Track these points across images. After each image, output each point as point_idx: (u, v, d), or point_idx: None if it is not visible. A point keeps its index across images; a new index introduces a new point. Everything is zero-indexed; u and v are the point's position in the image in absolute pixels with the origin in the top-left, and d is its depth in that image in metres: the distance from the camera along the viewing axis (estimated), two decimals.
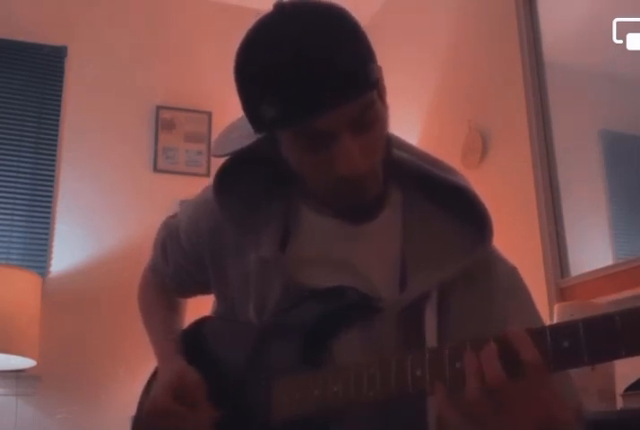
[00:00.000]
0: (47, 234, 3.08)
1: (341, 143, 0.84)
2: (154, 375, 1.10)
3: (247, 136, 0.91)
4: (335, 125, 0.83)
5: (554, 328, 0.68)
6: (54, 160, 3.17)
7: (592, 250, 2.23)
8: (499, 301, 0.91)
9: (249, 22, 0.88)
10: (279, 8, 0.85)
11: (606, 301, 1.86)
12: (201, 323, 1.13)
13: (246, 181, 1.01)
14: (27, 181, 3.12)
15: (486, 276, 0.93)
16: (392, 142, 0.98)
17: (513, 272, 0.97)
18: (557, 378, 0.79)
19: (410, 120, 3.02)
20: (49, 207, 3.11)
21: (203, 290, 1.14)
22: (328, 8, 0.85)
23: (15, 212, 3.06)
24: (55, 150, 3.18)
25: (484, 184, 2.47)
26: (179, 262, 1.15)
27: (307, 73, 0.80)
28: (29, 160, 3.14)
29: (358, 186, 0.89)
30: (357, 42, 0.84)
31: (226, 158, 1.01)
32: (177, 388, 0.98)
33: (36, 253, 3.05)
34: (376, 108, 0.87)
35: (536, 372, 0.67)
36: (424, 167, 0.97)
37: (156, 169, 3.31)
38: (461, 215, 0.93)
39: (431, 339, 0.87)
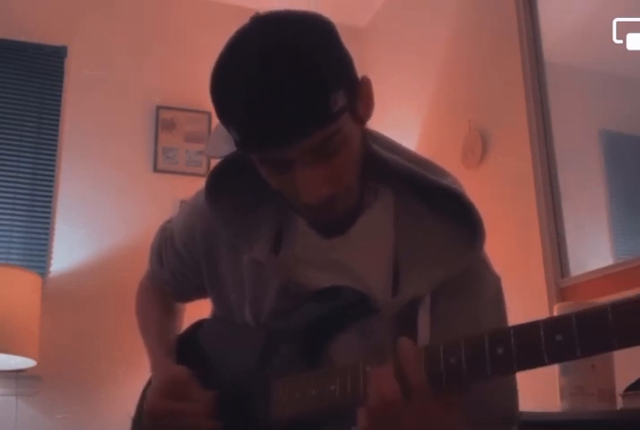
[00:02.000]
0: (47, 234, 3.08)
1: (299, 174, 0.84)
2: (149, 384, 1.10)
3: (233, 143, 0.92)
4: (294, 156, 0.83)
5: (547, 321, 0.68)
6: (54, 160, 3.17)
7: (592, 250, 2.23)
8: (484, 309, 0.93)
9: None
10: (253, 25, 0.84)
11: (606, 301, 1.86)
12: (198, 327, 1.13)
13: (238, 184, 1.01)
14: (27, 181, 3.12)
15: (474, 281, 0.93)
16: (380, 145, 0.98)
17: (497, 283, 0.98)
18: (493, 383, 0.83)
19: (410, 120, 3.02)
20: (49, 207, 3.11)
21: (201, 294, 1.14)
22: (303, 27, 0.83)
23: (15, 212, 3.06)
24: (55, 150, 3.19)
25: (484, 185, 2.48)
26: (175, 266, 1.15)
27: (266, 108, 0.79)
28: (29, 160, 3.14)
29: (326, 209, 0.89)
30: (326, 68, 0.80)
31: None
32: (169, 387, 0.98)
33: (36, 253, 3.05)
34: (341, 135, 0.84)
35: (421, 392, 0.71)
36: (415, 170, 0.97)
37: (156, 169, 3.31)
38: (453, 218, 0.93)
39: (424, 339, 0.88)
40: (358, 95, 0.87)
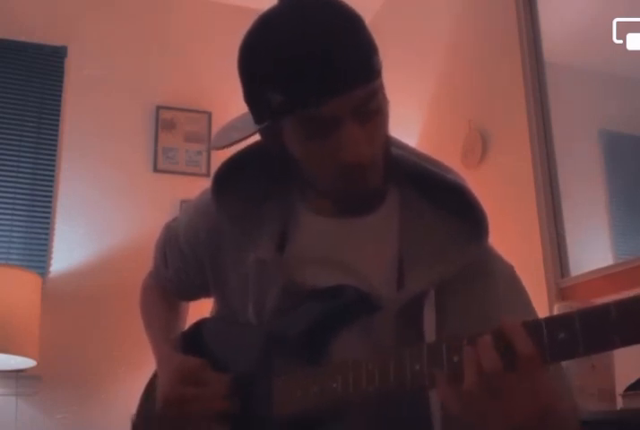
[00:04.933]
0: (47, 234, 3.08)
1: (347, 129, 0.85)
2: (153, 380, 1.10)
3: (248, 128, 0.91)
4: (341, 111, 0.84)
5: (550, 319, 0.69)
6: (54, 160, 3.17)
7: (592, 250, 2.23)
8: (496, 300, 0.92)
9: (249, 22, 0.88)
10: (284, 1, 0.87)
11: (606, 301, 1.86)
12: (200, 325, 1.13)
13: (244, 182, 1.02)
14: (27, 181, 3.12)
15: (483, 275, 0.93)
16: (390, 141, 0.98)
17: (510, 271, 0.97)
18: (555, 377, 0.81)
19: (410, 120, 3.02)
20: (49, 207, 3.11)
21: (204, 293, 1.14)
22: (332, 1, 0.87)
23: (15, 212, 3.06)
24: (55, 150, 3.18)
25: (484, 184, 2.48)
26: (179, 264, 1.15)
27: (314, 59, 0.81)
28: (29, 160, 3.14)
29: (361, 175, 0.90)
30: (361, 34, 0.86)
31: (224, 156, 1.01)
32: (181, 374, 0.98)
33: (36, 253, 3.05)
34: (379, 99, 0.88)
35: (531, 364, 0.68)
36: (422, 165, 0.97)
37: (156, 169, 3.31)
38: (457, 213, 0.94)
39: (430, 336, 0.87)
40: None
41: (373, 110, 0.87)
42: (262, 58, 0.85)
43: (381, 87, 0.90)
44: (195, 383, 0.97)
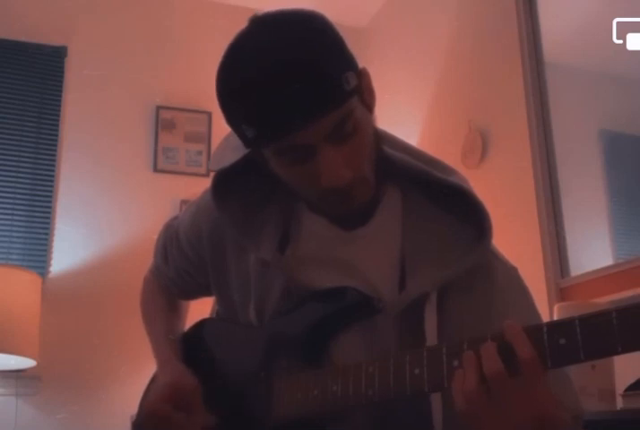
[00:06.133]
0: (47, 234, 3.08)
1: (321, 156, 0.85)
2: (153, 380, 1.10)
3: (240, 149, 0.92)
4: (313, 139, 0.84)
5: (551, 325, 0.68)
6: (54, 160, 3.17)
7: (592, 250, 2.23)
8: (498, 302, 0.91)
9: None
10: (253, 24, 0.86)
11: (606, 301, 1.86)
12: (201, 325, 1.13)
13: (245, 183, 1.02)
14: (27, 181, 3.11)
15: (485, 276, 0.93)
16: (386, 143, 0.98)
17: (513, 273, 0.97)
18: (558, 383, 0.81)
19: (410, 120, 3.02)
20: (49, 207, 3.11)
21: (205, 292, 1.14)
22: (302, 20, 0.86)
23: (15, 212, 3.06)
24: (55, 150, 3.18)
25: (484, 185, 2.48)
26: (180, 263, 1.15)
27: (279, 92, 0.80)
28: (29, 160, 3.14)
29: (345, 195, 0.89)
30: (331, 52, 0.84)
31: None
32: (172, 393, 0.98)
33: (36, 253, 3.05)
34: (355, 117, 0.86)
35: (532, 368, 0.69)
36: (421, 168, 0.97)
37: (156, 169, 3.31)
38: (460, 215, 0.93)
39: (432, 339, 0.87)
40: (362, 82, 0.89)
41: (349, 131, 0.86)
42: (230, 93, 0.86)
43: (363, 99, 0.89)
44: (182, 408, 0.96)
